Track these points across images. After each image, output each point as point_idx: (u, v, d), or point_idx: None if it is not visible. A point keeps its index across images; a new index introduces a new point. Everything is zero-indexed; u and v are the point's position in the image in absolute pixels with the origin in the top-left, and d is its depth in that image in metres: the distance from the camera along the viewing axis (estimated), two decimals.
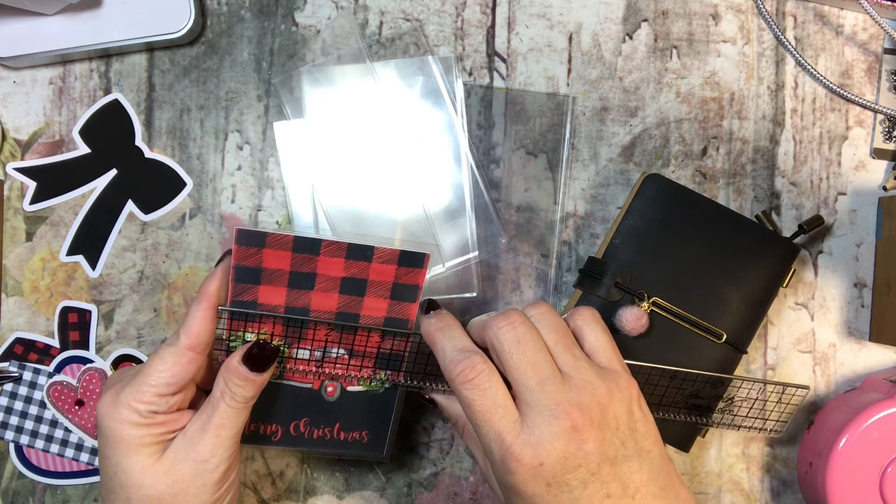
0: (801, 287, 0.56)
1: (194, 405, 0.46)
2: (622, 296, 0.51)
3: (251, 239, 0.44)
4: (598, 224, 0.56)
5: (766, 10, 0.56)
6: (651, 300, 0.51)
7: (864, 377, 0.56)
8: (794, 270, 0.52)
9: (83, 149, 0.55)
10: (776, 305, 0.55)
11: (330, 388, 0.49)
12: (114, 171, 0.56)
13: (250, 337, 0.46)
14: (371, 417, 0.50)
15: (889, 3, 0.54)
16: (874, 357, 0.56)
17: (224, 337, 0.46)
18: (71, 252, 0.55)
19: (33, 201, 0.55)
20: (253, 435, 0.48)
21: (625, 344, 0.50)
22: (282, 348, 0.47)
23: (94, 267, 0.55)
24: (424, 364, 0.48)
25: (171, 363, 0.43)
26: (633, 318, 0.50)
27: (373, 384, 0.49)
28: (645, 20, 0.56)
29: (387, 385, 0.49)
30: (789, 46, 0.56)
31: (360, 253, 0.45)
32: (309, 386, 0.49)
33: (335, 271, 0.45)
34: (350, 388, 0.49)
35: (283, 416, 0.49)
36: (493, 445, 0.41)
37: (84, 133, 0.55)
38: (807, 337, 0.56)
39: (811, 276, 0.56)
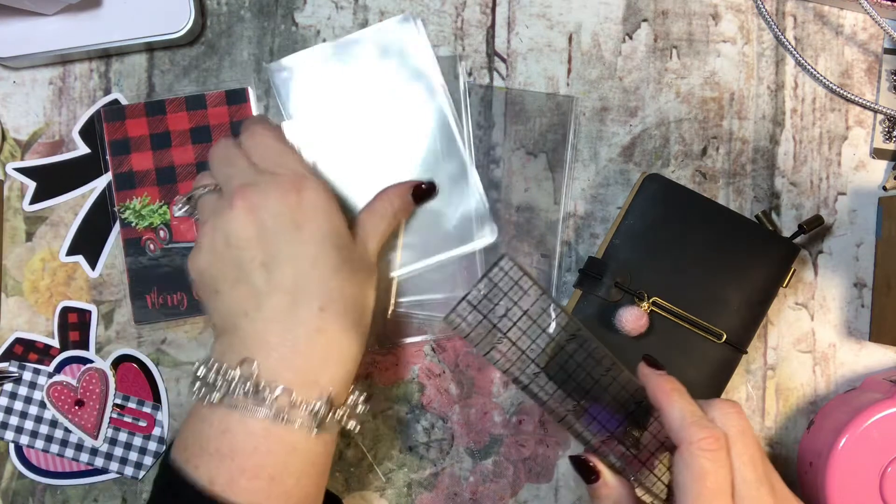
0: (801, 287, 0.56)
1: None
2: (622, 296, 0.51)
3: (115, 114, 0.54)
4: (598, 224, 0.56)
5: (766, 10, 0.56)
6: (651, 300, 0.51)
7: (864, 377, 0.56)
8: (794, 270, 0.52)
9: (83, 149, 0.55)
10: (776, 305, 0.55)
11: None
12: None
13: (136, 203, 0.54)
14: None
15: (889, 3, 0.54)
16: (874, 357, 0.56)
17: (116, 209, 0.54)
18: (71, 252, 0.55)
19: (33, 201, 0.55)
20: (164, 309, 0.52)
21: (625, 344, 0.51)
22: (162, 209, 0.54)
23: (93, 267, 0.55)
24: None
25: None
26: (633, 318, 0.50)
27: None
28: (645, 20, 0.56)
29: None
30: (789, 46, 0.56)
31: (196, 103, 0.54)
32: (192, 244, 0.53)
33: (182, 124, 0.54)
34: None
35: (185, 282, 0.52)
36: None
37: (84, 133, 0.55)
38: (807, 337, 0.56)
39: (811, 276, 0.56)
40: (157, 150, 0.54)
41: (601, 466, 0.44)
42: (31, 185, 0.55)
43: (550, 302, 0.45)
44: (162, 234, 0.54)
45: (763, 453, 0.42)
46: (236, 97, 0.54)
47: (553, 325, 0.46)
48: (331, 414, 0.42)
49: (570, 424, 0.45)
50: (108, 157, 0.54)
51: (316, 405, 0.42)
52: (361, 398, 0.45)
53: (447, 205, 0.54)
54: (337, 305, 0.44)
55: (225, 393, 0.41)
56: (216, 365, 0.42)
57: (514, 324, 0.45)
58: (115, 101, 0.55)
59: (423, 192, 0.53)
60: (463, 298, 0.44)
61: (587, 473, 0.44)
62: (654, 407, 0.43)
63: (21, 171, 0.55)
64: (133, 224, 0.54)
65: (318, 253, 0.44)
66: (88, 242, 0.55)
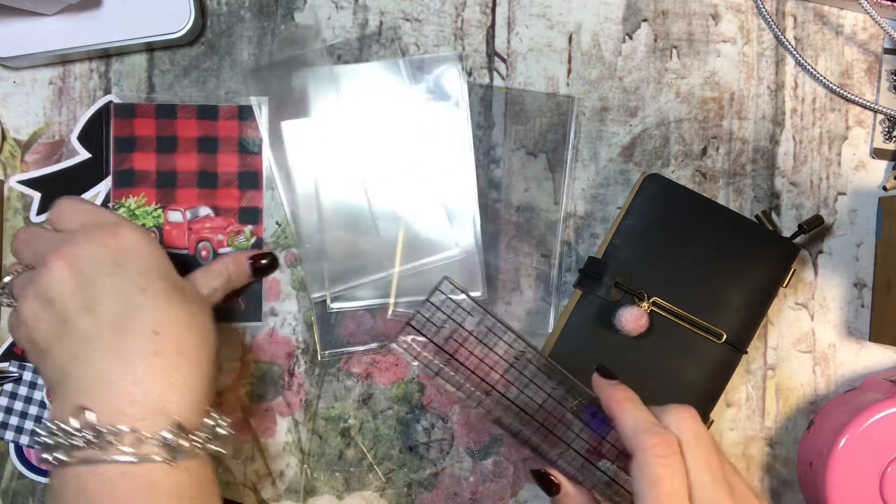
0: (801, 287, 0.56)
1: None
2: (622, 296, 0.51)
3: (124, 111, 0.54)
4: (598, 224, 0.56)
5: (766, 10, 0.56)
6: (651, 300, 0.51)
7: (864, 377, 0.56)
8: (794, 270, 0.52)
9: (83, 154, 0.55)
10: (776, 305, 0.55)
11: (203, 252, 0.54)
12: None
13: (132, 202, 0.53)
14: None
15: (889, 3, 0.54)
16: (874, 357, 0.56)
17: (110, 206, 0.54)
18: None
19: (40, 211, 0.55)
20: None
21: (625, 344, 0.51)
22: (157, 212, 0.54)
23: None
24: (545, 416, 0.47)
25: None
26: (633, 318, 0.50)
27: (239, 241, 0.54)
28: (645, 20, 0.56)
29: (252, 241, 0.54)
30: (789, 46, 0.56)
31: (208, 113, 0.54)
32: (186, 251, 0.54)
33: (191, 132, 0.54)
34: (221, 251, 0.54)
35: None
36: None
37: (82, 138, 0.55)
38: (807, 337, 0.56)
39: (811, 276, 0.56)
40: (161, 152, 0.54)
41: (561, 478, 0.46)
42: (37, 196, 0.55)
43: (495, 320, 0.47)
44: (153, 236, 0.52)
45: (721, 455, 0.42)
46: (249, 113, 0.54)
47: (502, 342, 0.48)
48: (185, 441, 0.40)
49: (526, 439, 0.46)
50: (111, 152, 0.54)
51: (165, 435, 0.40)
52: (221, 420, 0.43)
53: (444, 213, 0.54)
54: (172, 327, 0.42)
55: (68, 449, 0.39)
56: (53, 422, 0.40)
57: (461, 345, 0.46)
58: (112, 104, 0.55)
59: (261, 264, 0.53)
60: (407, 323, 0.45)
61: (548, 486, 0.46)
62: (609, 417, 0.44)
63: (24, 182, 0.55)
64: None
65: (146, 283, 0.43)
66: None
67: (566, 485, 0.46)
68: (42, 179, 0.55)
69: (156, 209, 0.54)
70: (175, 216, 0.54)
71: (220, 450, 0.43)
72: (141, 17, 0.53)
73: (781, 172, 0.56)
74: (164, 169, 0.54)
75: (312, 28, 0.56)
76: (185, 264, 0.53)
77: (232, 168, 0.54)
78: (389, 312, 0.54)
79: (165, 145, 0.54)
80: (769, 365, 0.56)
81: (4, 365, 0.55)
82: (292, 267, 0.55)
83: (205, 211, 0.54)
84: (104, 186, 0.55)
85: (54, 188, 0.55)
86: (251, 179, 0.55)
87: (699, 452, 0.41)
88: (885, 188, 0.57)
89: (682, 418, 0.42)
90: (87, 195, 0.55)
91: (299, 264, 0.55)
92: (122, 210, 0.54)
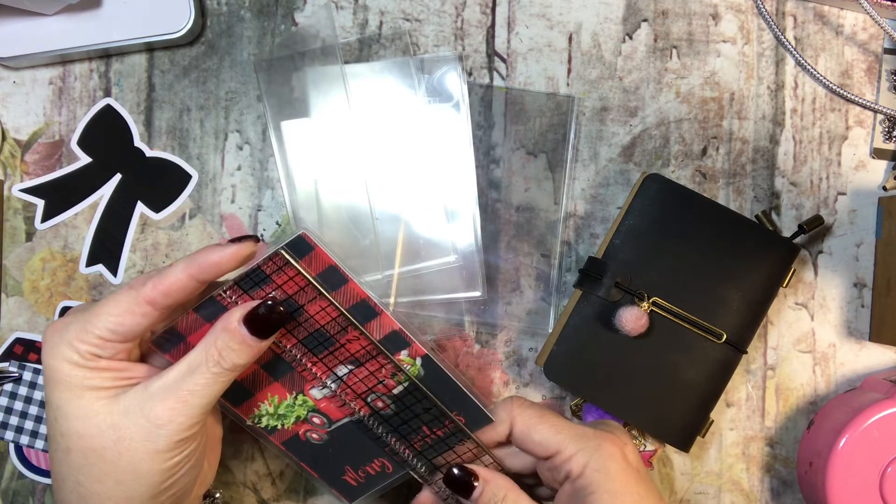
0: (801, 287, 0.56)
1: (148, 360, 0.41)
2: (622, 296, 0.51)
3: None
4: (598, 224, 0.56)
5: (766, 10, 0.56)
6: (651, 300, 0.51)
7: (864, 377, 0.56)
8: (794, 270, 0.52)
9: (84, 158, 0.55)
10: (776, 305, 0.55)
11: (380, 404, 0.44)
12: (118, 176, 0.55)
13: (267, 407, 0.44)
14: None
15: (889, 3, 0.54)
16: (874, 357, 0.56)
17: (249, 424, 0.45)
18: (90, 263, 0.55)
19: (44, 219, 0.55)
20: (370, 479, 0.48)
21: (625, 344, 0.51)
22: (299, 400, 0.44)
23: (115, 273, 0.55)
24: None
25: (123, 309, 0.37)
26: (633, 318, 0.50)
27: (406, 369, 0.43)
28: (645, 20, 0.56)
29: (418, 360, 0.43)
30: (789, 46, 0.56)
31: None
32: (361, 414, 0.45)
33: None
34: (395, 391, 0.44)
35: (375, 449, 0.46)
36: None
37: (82, 143, 0.55)
38: (807, 337, 0.56)
39: (811, 276, 0.56)
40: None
41: (474, 467, 0.43)
42: (40, 204, 0.55)
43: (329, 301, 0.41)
44: (317, 420, 0.44)
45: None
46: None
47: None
48: None
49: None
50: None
51: None
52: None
53: (445, 216, 0.54)
54: None
55: None
56: None
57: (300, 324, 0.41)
58: (110, 107, 0.55)
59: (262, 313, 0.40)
60: (233, 282, 0.39)
61: (467, 482, 0.43)
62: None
63: (27, 191, 0.55)
64: (278, 426, 0.45)
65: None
66: (106, 250, 0.55)
67: (482, 471, 0.42)
68: (44, 186, 0.55)
69: (295, 399, 0.44)
70: (317, 393, 0.44)
71: None
72: (141, 17, 0.53)
73: (781, 172, 0.56)
74: (265, 360, 0.42)
75: (312, 28, 0.56)
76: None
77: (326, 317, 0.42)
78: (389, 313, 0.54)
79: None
80: (769, 365, 0.56)
81: (4, 365, 0.55)
82: None
83: (343, 370, 0.43)
84: (107, 189, 0.55)
85: (58, 194, 0.55)
86: (363, 310, 0.42)
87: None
88: (885, 188, 0.57)
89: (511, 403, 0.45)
90: (88, 200, 0.55)
91: None
92: (264, 419, 0.45)
